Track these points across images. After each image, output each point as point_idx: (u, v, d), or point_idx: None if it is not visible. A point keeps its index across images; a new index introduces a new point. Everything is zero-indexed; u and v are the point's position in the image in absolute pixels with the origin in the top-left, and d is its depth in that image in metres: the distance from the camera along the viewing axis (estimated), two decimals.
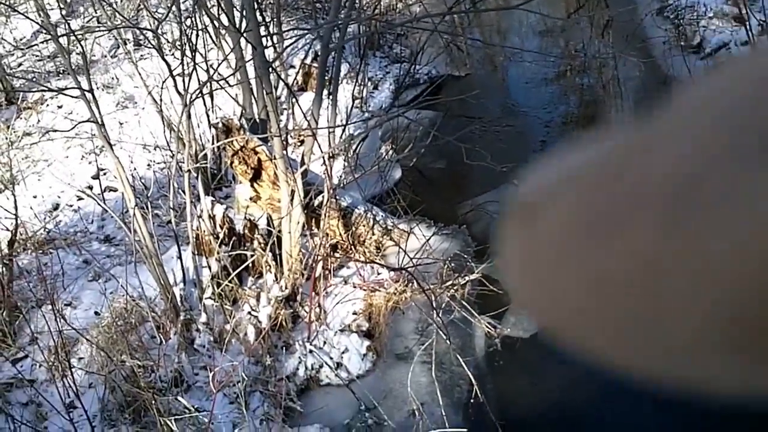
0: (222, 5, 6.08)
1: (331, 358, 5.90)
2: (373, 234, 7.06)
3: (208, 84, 6.11)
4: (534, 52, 12.37)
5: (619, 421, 5.23)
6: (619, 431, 5.18)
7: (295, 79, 10.59)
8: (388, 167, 8.89)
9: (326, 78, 7.51)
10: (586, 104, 11.28)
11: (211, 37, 9.08)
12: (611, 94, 11.27)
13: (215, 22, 6.19)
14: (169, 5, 6.76)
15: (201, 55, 8.10)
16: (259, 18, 8.55)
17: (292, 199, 5.91)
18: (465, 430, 5.11)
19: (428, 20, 8.86)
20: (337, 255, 6.71)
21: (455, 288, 6.45)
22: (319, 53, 5.45)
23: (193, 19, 6.93)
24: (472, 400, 5.42)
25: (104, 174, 8.29)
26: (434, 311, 6.14)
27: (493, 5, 13.22)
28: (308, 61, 10.77)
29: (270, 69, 5.36)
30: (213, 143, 5.98)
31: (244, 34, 5.40)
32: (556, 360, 5.97)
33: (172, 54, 8.28)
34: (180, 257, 5.75)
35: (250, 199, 6.33)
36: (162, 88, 5.94)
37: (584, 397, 5.54)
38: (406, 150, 9.17)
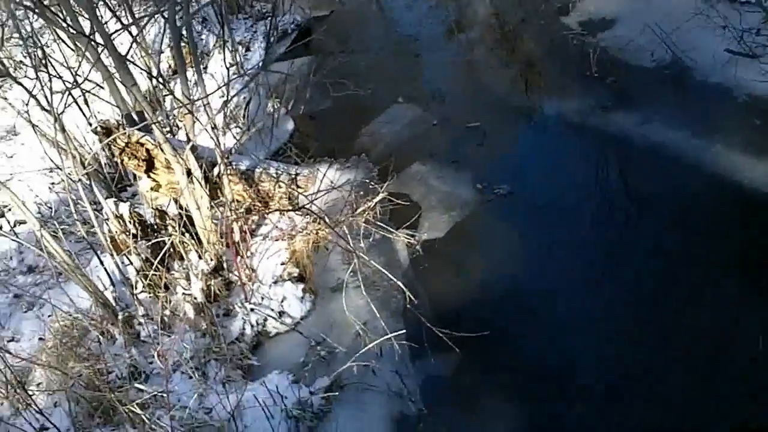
0: (63, 12, 6.12)
1: (272, 310, 6.23)
2: (280, 186, 7.32)
3: (72, 92, 6.20)
4: None
5: (539, 304, 5.71)
6: (540, 312, 5.64)
7: (165, 62, 10.63)
8: (278, 121, 9.12)
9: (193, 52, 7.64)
10: (449, 7, 11.53)
11: (69, 46, 9.06)
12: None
13: (60, 31, 6.23)
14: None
15: (65, 66, 8.12)
16: (108, 13, 8.55)
17: (190, 177, 6.13)
18: (403, 331, 5.51)
19: None
20: (251, 216, 6.96)
21: (367, 212, 6.79)
22: (171, 31, 5.60)
23: (34, 37, 6.95)
24: (408, 306, 5.82)
25: (9, 210, 8.34)
26: (353, 239, 6.50)
27: None
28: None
29: (126, 60, 5.50)
30: (97, 147, 6.12)
31: (91, 36, 5.53)
32: (473, 251, 6.45)
33: (26, 75, 8.23)
34: (101, 263, 5.95)
35: (152, 189, 6.51)
36: (26, 110, 6.04)
37: (505, 282, 6.02)
38: (292, 100, 9.41)
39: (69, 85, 6.00)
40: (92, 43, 5.63)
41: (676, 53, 7.58)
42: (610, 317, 5.39)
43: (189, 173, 6.11)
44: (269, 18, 12.34)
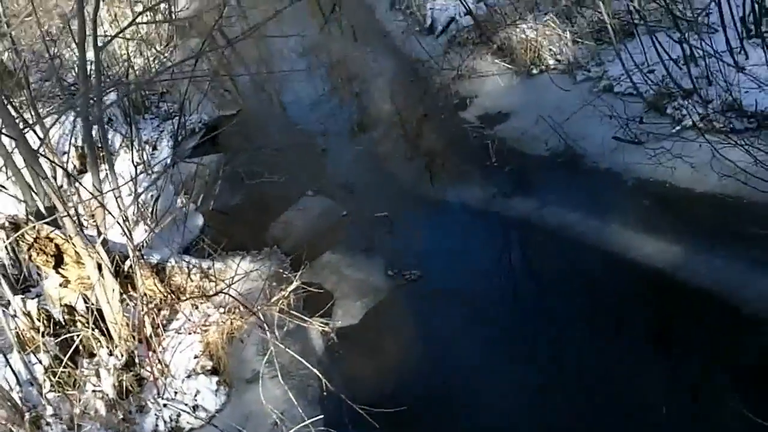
0: None
1: (186, 404, 6.13)
2: (191, 280, 7.32)
3: None
4: (298, 70, 13.07)
5: (450, 381, 5.86)
6: (452, 388, 5.80)
7: (69, 162, 10.58)
8: (187, 216, 9.15)
9: (99, 149, 7.69)
10: (352, 106, 11.99)
11: None
12: (372, 88, 12.01)
13: None
14: None
15: None
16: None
17: (101, 271, 6.09)
18: (321, 417, 5.53)
19: (187, 70, 9.19)
20: (162, 310, 6.91)
21: (281, 301, 6.87)
22: (82, 127, 5.71)
23: None
24: (324, 393, 5.88)
25: None
26: (268, 328, 6.56)
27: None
28: (80, 143, 10.78)
29: (37, 155, 5.53)
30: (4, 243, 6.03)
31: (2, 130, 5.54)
32: (387, 336, 6.58)
33: None
34: (7, 362, 5.78)
35: (60, 285, 6.41)
36: None
37: (418, 363, 6.17)
38: (201, 196, 9.48)
39: None
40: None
41: (568, 141, 8.09)
42: (516, 389, 5.57)
43: (100, 267, 6.08)
44: (176, 117, 12.57)
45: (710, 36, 8.04)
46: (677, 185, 6.98)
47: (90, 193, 6.21)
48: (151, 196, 9.38)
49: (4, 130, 5.53)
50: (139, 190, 7.94)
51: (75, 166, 10.92)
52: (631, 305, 6.08)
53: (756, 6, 7.98)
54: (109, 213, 6.10)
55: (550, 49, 10.06)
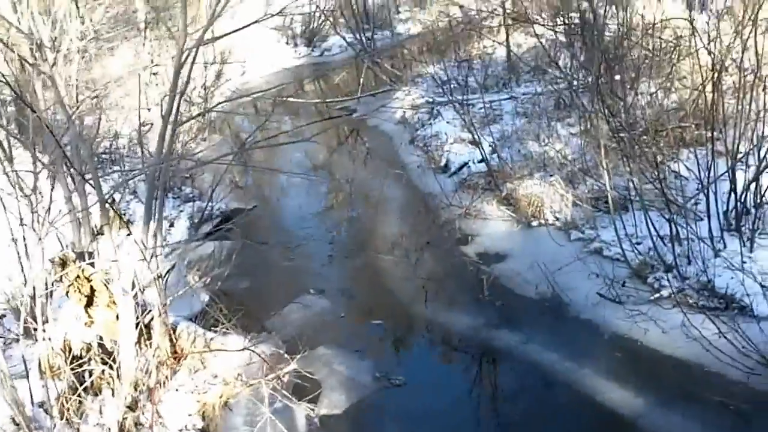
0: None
1: None
2: (195, 346, 7.92)
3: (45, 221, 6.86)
4: (313, 177, 14.04)
5: None
6: None
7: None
8: (196, 292, 9.80)
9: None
10: (361, 221, 12.89)
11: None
12: (381, 210, 12.94)
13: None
14: None
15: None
16: None
17: (126, 320, 6.73)
18: None
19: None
20: (167, 367, 7.47)
21: (276, 379, 7.47)
22: (147, 191, 6.58)
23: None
24: None
25: None
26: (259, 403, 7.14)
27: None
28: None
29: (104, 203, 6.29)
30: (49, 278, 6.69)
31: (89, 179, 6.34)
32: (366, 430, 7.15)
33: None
34: (28, 379, 6.31)
35: (85, 324, 6.99)
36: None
37: None
38: (210, 276, 10.16)
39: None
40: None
41: (556, 289, 8.90)
42: None
43: (126, 316, 6.72)
44: (196, 200, 13.44)
45: (696, 222, 9.03)
46: (648, 345, 7.74)
47: (140, 247, 6.92)
48: (164, 267, 10.05)
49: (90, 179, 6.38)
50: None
51: (96, 226, 11.63)
52: None
53: (738, 204, 9.00)
54: (149, 269, 6.81)
55: (551, 207, 11.03)
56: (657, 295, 8.43)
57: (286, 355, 7.88)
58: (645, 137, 10.30)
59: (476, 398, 7.60)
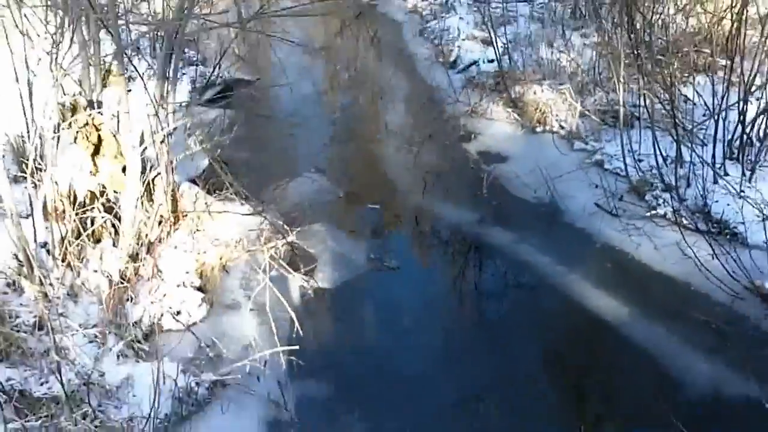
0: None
1: (171, 308, 6.78)
2: (195, 208, 7.97)
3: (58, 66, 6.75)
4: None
5: (404, 359, 6.65)
6: (411, 361, 6.59)
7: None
8: (196, 156, 9.77)
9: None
10: (364, 105, 12.84)
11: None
12: (385, 98, 12.89)
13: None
14: None
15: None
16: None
17: (131, 172, 6.75)
18: (296, 347, 6.26)
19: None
20: (168, 224, 7.54)
21: (274, 249, 7.60)
22: (164, 45, 6.44)
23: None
24: (294, 335, 6.63)
25: None
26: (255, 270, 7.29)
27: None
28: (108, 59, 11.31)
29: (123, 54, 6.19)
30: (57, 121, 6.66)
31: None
32: (357, 307, 7.33)
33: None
34: (33, 218, 6.37)
35: (90, 172, 6.99)
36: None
37: (378, 336, 6.97)
38: (212, 142, 10.11)
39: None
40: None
41: (554, 195, 9.01)
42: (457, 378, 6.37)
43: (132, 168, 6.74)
44: (198, 64, 13.25)
45: (701, 146, 9.07)
46: (639, 259, 7.89)
47: (152, 101, 6.87)
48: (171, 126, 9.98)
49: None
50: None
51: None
52: (572, 344, 6.96)
53: (744, 135, 9.04)
54: (159, 121, 6.81)
55: (557, 115, 11.02)
56: (653, 212, 8.55)
57: (285, 226, 7.97)
58: (662, 57, 10.19)
59: (466, 291, 7.76)
